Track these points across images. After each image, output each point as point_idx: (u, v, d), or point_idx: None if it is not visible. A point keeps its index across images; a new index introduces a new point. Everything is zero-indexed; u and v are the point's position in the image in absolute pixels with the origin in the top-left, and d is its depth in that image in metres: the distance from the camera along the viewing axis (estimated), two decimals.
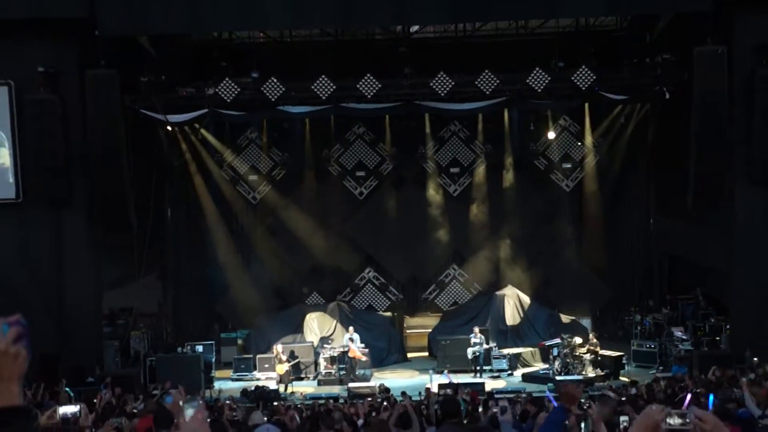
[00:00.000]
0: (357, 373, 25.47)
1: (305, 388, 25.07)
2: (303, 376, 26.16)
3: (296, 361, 25.75)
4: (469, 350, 25.58)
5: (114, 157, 22.95)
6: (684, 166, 23.48)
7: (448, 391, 19.61)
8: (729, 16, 22.38)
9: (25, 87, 22.75)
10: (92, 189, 23.35)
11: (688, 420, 3.94)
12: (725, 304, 25.79)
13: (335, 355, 25.90)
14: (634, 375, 24.14)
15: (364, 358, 25.72)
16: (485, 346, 25.66)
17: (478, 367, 25.43)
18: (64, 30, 22.59)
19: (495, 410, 15.07)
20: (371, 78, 24.75)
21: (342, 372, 25.51)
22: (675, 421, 3.96)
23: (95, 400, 17.53)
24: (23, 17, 22.10)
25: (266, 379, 25.29)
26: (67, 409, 9.61)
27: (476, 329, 26.10)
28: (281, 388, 24.26)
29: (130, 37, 24.12)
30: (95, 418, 12.95)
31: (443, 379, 23.04)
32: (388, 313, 30.55)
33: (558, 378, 23.84)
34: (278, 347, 25.88)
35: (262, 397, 22.15)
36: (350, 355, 25.60)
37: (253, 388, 23.52)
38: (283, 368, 25.05)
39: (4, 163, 23.12)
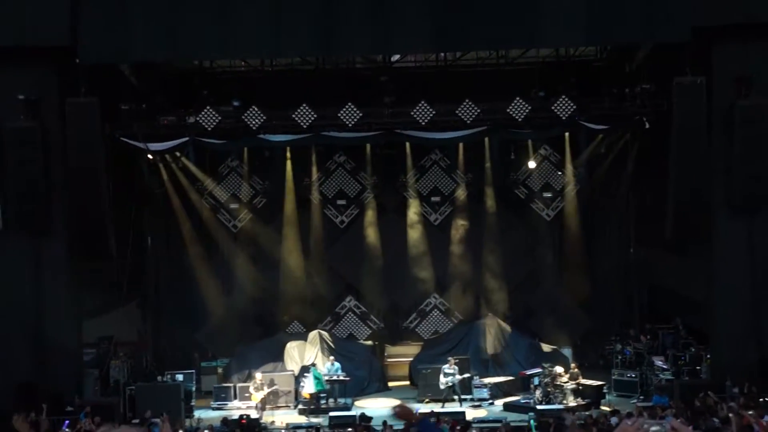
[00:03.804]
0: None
1: (286, 417, 24.93)
2: (283, 404, 26.03)
3: (274, 387, 25.61)
4: (441, 380, 25.48)
5: (94, 186, 22.82)
6: (664, 196, 23.56)
7: (432, 419, 19.48)
8: (707, 47, 22.54)
9: (6, 115, 22.65)
10: (72, 217, 23.23)
11: (664, 430, 4.01)
12: (705, 334, 25.81)
13: None
14: (615, 404, 24.10)
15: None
16: (458, 376, 25.47)
17: (456, 397, 25.34)
18: (45, 58, 22.57)
19: None
20: (352, 107, 24.83)
21: (323, 401, 25.46)
22: (652, 429, 4.03)
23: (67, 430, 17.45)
24: (4, 45, 22.10)
25: (246, 408, 25.14)
26: None
27: (451, 360, 25.96)
28: (263, 417, 24.17)
29: (111, 65, 24.10)
30: None
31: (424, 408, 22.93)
32: (369, 342, 30.43)
33: (539, 407, 23.79)
34: (258, 375, 25.85)
35: (249, 427, 22.02)
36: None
37: (236, 417, 23.38)
38: (259, 396, 25.02)
39: None
